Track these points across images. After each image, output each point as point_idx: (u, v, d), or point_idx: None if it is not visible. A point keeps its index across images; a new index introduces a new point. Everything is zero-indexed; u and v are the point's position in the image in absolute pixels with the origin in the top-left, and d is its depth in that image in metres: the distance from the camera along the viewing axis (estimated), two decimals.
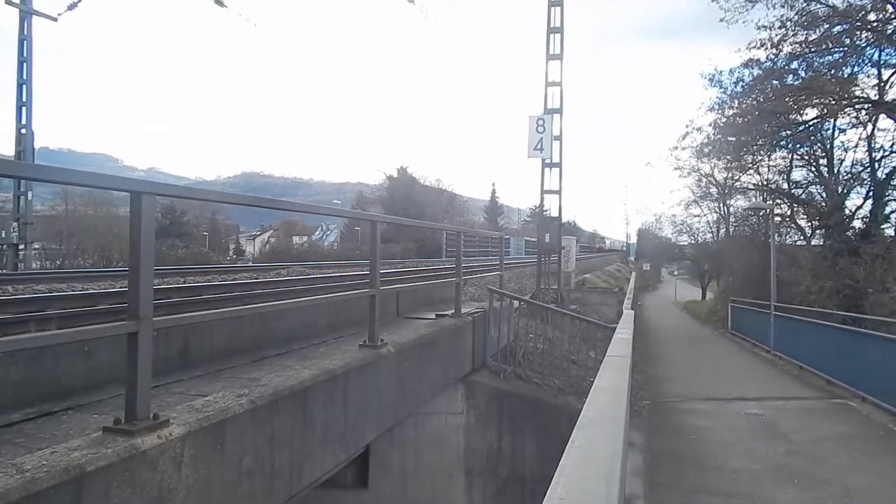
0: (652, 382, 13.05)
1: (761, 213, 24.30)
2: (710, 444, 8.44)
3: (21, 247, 18.10)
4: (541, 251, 15.71)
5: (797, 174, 25.18)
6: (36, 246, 20.69)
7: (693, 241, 48.47)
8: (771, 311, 16.95)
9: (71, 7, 17.16)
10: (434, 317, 8.02)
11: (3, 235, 18.28)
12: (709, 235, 44.32)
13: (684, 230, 47.66)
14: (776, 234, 21.12)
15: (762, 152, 24.75)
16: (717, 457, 7.79)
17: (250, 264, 28.13)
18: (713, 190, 37.12)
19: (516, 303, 10.33)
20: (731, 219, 36.06)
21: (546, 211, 16.03)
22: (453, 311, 8.16)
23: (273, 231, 72.24)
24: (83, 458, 2.47)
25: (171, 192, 4.00)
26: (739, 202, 32.35)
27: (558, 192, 15.23)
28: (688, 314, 37.04)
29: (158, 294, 4.17)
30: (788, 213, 24.54)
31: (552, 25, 14.87)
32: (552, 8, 14.83)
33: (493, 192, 75.80)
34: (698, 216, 42.41)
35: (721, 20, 21.13)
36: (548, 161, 14.84)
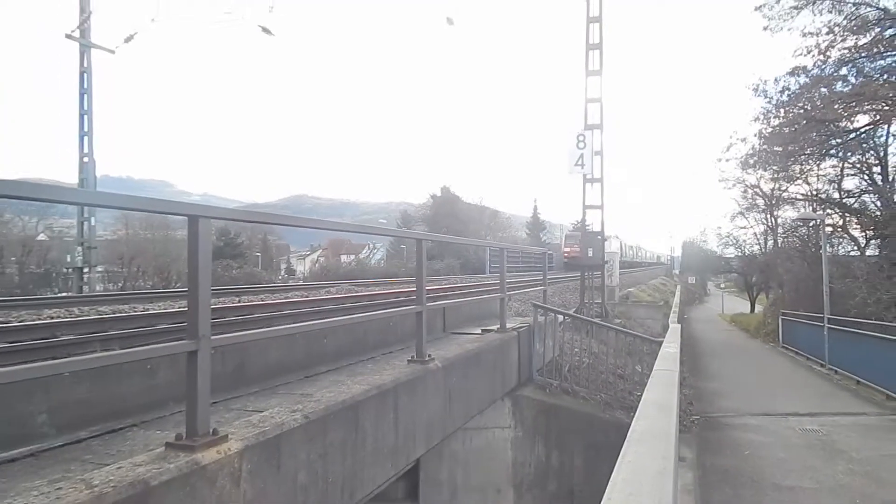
0: (701, 397, 12.67)
1: (811, 224, 23.48)
2: (764, 460, 8.12)
3: (85, 270, 18.80)
4: (583, 266, 15.52)
5: (849, 183, 24.27)
6: (99, 269, 21.45)
7: (740, 254, 47.05)
8: (825, 324, 16.30)
9: (127, 39, 17.94)
10: (480, 332, 7.98)
11: (69, 259, 19.05)
12: (756, 247, 42.98)
13: (730, 242, 46.33)
14: (828, 245, 20.35)
15: (811, 162, 23.96)
16: (773, 474, 7.48)
17: (301, 283, 28.59)
18: (760, 201, 36.15)
19: (561, 317, 10.21)
20: (780, 230, 34.99)
21: (588, 226, 15.86)
22: (498, 326, 8.10)
23: (322, 250, 73.36)
24: (148, 473, 2.53)
25: (225, 215, 4.11)
26: (788, 213, 31.42)
27: (600, 207, 15.06)
28: (736, 327, 35.92)
29: (215, 313, 4.27)
30: (840, 223, 23.62)
31: (591, 42, 14.81)
32: (591, 25, 14.78)
33: (535, 208, 75.37)
34: (744, 228, 41.28)
35: (765, 28, 20.67)
36: (589, 176, 14.71)
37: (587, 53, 14.85)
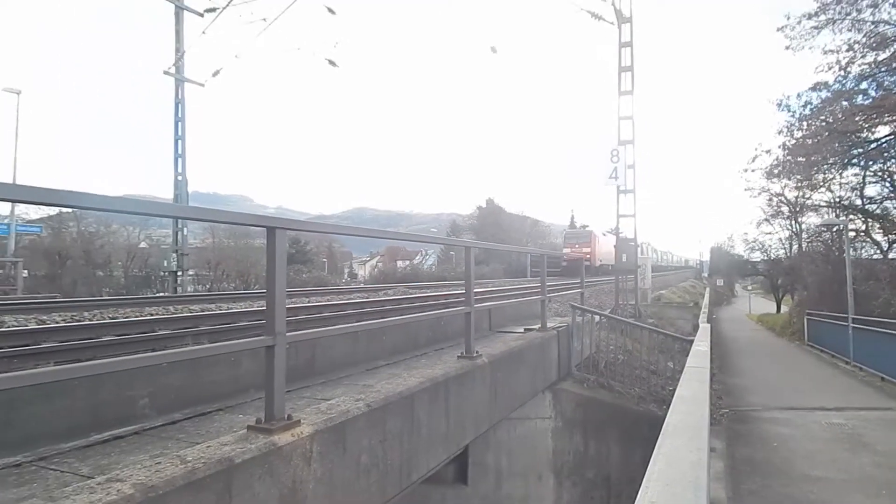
0: (730, 392, 12.19)
1: (835, 229, 22.39)
2: (792, 452, 7.75)
3: (179, 273, 19.53)
4: (618, 270, 15.22)
5: (871, 190, 23.06)
6: (190, 272, 22.22)
7: (766, 258, 45.18)
8: (849, 323, 15.48)
9: (215, 74, 18.58)
10: (523, 330, 7.91)
11: (166, 264, 19.82)
12: (781, 251, 41.16)
13: (756, 247, 44.51)
14: (851, 249, 19.35)
15: (833, 171, 22.90)
16: (801, 465, 7.13)
17: (362, 285, 28.95)
18: (784, 208, 34.61)
19: (597, 317, 10.02)
20: (804, 235, 33.40)
21: (622, 233, 15.54)
22: (540, 325, 8.01)
23: (380, 256, 74.04)
24: (232, 452, 2.60)
25: (299, 226, 4.20)
26: (811, 219, 30.02)
27: (633, 216, 14.75)
28: (763, 327, 34.43)
29: (288, 312, 4.36)
30: (863, 228, 22.47)
31: (623, 65, 14.56)
32: (622, 49, 14.53)
33: (572, 217, 74.24)
34: (770, 233, 39.54)
35: (787, 48, 19.91)
36: (622, 188, 14.43)
37: (619, 75, 14.60)
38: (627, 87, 14.55)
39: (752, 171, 24.78)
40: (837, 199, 24.18)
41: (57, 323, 6.01)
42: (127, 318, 6.79)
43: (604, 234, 37.23)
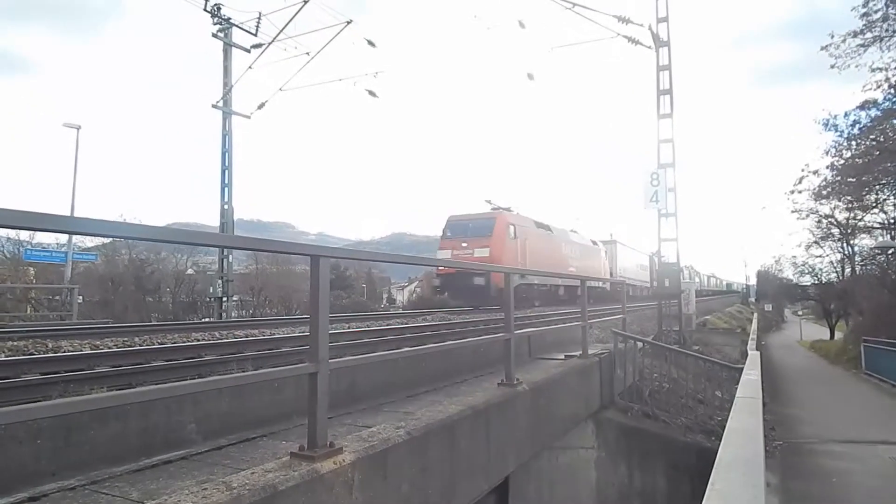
0: (783, 422, 11.65)
1: (890, 252, 21.39)
2: (853, 488, 7.32)
3: (224, 299, 20.01)
4: (660, 295, 14.85)
5: None
6: (234, 298, 22.72)
7: (816, 281, 43.46)
8: None
9: (260, 106, 19.23)
10: (563, 357, 7.76)
11: (212, 290, 20.34)
12: (833, 275, 39.57)
13: (806, 270, 42.98)
14: None
15: (886, 190, 22.01)
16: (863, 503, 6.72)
17: (400, 311, 29.07)
18: (834, 230, 33.34)
19: (640, 344, 9.77)
20: (857, 258, 32.08)
21: (664, 257, 15.21)
22: (581, 351, 7.86)
23: (418, 281, 74.33)
24: (276, 479, 2.61)
25: (341, 254, 4.27)
26: (865, 241, 28.83)
27: (675, 240, 14.45)
28: (815, 354, 32.90)
29: (329, 338, 4.40)
30: None
31: (662, 88, 14.44)
32: (661, 73, 14.43)
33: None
34: (820, 257, 38.12)
35: (832, 67, 19.40)
36: (663, 211, 14.17)
37: (658, 98, 14.48)
38: (666, 110, 14.40)
39: (799, 192, 24.14)
40: (892, 221, 23.18)
41: (109, 348, 6.21)
42: (175, 343, 6.96)
43: (540, 227, 22.42)
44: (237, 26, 19.19)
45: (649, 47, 14.42)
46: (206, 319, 19.67)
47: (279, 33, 17.43)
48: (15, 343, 6.16)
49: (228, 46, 19.49)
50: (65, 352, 5.79)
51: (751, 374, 5.90)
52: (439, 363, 6.25)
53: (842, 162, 21.63)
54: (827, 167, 22.23)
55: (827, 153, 22.09)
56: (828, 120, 22.53)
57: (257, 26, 19.13)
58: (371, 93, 18.13)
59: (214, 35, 19.17)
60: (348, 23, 16.76)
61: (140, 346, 6.60)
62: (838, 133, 22.28)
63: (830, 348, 32.15)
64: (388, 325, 11.14)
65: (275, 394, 4.24)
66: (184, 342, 7.09)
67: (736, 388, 6.85)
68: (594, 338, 11.33)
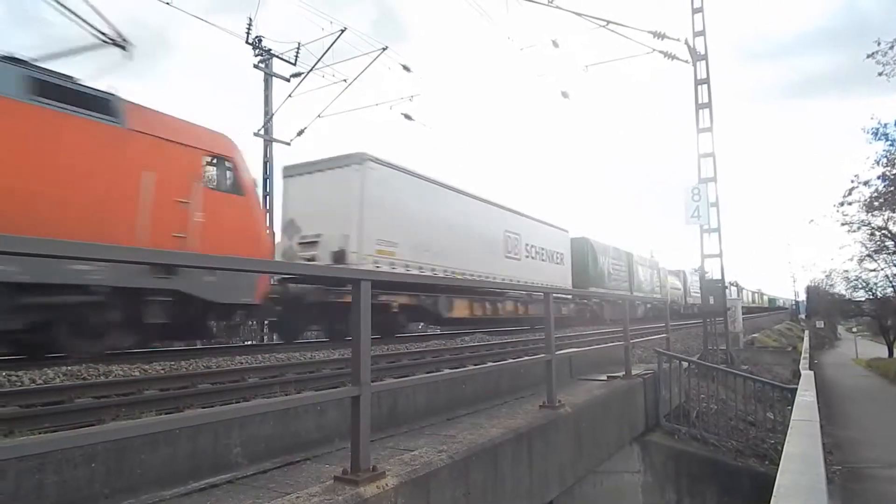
0: (841, 445, 11.05)
1: None
2: None
3: (266, 322, 20.32)
4: (705, 313, 14.44)
5: None
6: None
7: (871, 297, 41.42)
8: None
9: (299, 133, 19.74)
10: (605, 378, 7.60)
11: None
12: (889, 290, 37.64)
13: (859, 285, 41.00)
14: None
15: None
16: None
17: (438, 332, 28.95)
18: (889, 243, 31.85)
19: (685, 364, 9.49)
20: None
21: (707, 274, 14.81)
22: (624, 372, 7.68)
23: None
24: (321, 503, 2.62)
25: (381, 277, 4.31)
26: None
27: (719, 256, 14.07)
28: (874, 373, 31.20)
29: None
30: None
31: (700, 102, 14.22)
32: (699, 87, 14.22)
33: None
34: (874, 270, 36.33)
35: (880, 74, 18.73)
36: (706, 227, 13.85)
37: (697, 112, 14.25)
38: (706, 124, 14.16)
39: (849, 203, 23.21)
40: None
41: (157, 372, 6.38)
42: (220, 367, 7.10)
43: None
44: (277, 56, 19.81)
45: (686, 62, 14.25)
46: (249, 342, 19.99)
47: (317, 62, 17.92)
48: (69, 368, 6.38)
49: (269, 76, 20.12)
50: (114, 376, 5.97)
51: (806, 395, 5.65)
52: (480, 385, 6.20)
53: (894, 172, 20.79)
54: (878, 177, 21.40)
55: (878, 163, 21.28)
56: (877, 129, 21.73)
57: (296, 56, 19.69)
58: (407, 116, 18.43)
59: (256, 66, 19.83)
60: (384, 49, 17.14)
61: (186, 370, 6.75)
62: (889, 142, 21.48)
63: (889, 367, 30.44)
64: (426, 346, 11.12)
65: (318, 417, 4.27)
66: (228, 366, 7.22)
67: (789, 410, 6.56)
68: (637, 358, 11.07)
